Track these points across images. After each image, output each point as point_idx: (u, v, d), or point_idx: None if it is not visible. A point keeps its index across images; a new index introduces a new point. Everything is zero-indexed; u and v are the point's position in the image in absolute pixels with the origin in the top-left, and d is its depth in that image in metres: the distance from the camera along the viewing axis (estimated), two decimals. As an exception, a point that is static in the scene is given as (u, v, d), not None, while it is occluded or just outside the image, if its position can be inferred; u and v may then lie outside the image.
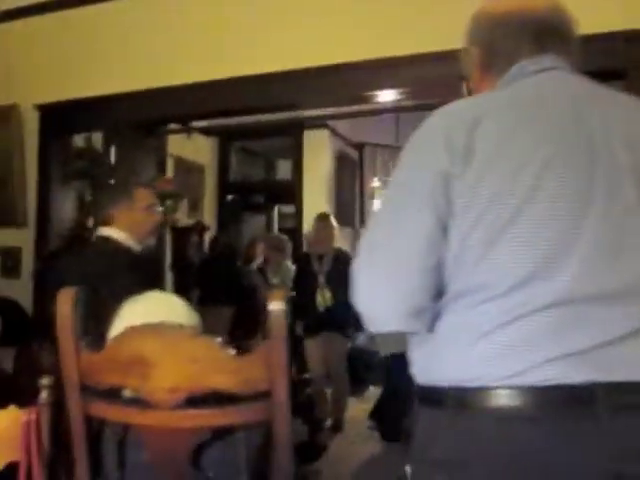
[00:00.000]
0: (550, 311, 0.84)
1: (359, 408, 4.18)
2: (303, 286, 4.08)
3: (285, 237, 5.11)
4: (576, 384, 0.82)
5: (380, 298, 0.90)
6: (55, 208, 3.25)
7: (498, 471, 0.83)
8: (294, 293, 4.15)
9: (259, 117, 4.95)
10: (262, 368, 1.11)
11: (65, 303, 1.15)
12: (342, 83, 2.85)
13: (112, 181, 2.85)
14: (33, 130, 3.27)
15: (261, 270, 4.85)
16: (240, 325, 3.46)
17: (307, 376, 3.91)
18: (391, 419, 3.69)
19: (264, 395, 1.13)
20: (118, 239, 2.04)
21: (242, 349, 1.22)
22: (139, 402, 1.20)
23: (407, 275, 0.89)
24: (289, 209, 7.20)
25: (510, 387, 0.83)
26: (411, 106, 5.08)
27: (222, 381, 1.10)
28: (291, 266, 4.81)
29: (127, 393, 1.26)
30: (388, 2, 2.70)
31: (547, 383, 0.82)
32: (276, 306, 1.10)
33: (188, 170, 5.70)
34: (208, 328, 1.32)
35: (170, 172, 5.24)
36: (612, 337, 0.84)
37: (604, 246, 0.86)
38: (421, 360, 0.96)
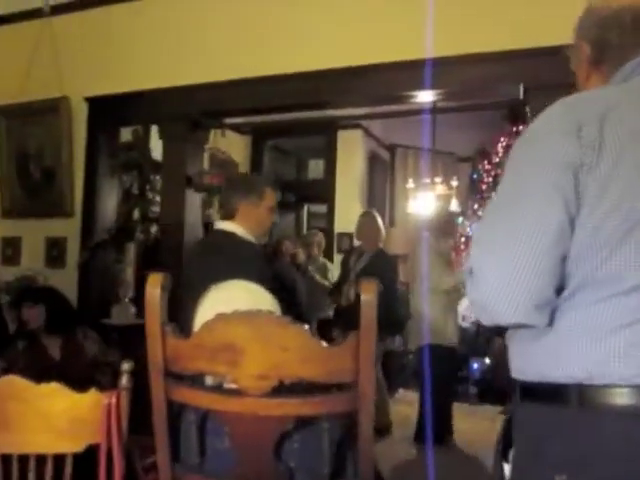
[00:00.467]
0: None
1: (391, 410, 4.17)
2: (339, 282, 4.10)
3: (319, 233, 5.12)
4: None
5: (507, 291, 0.88)
6: (101, 200, 3.30)
7: (622, 473, 0.81)
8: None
9: (293, 116, 4.97)
10: (350, 359, 1.10)
11: (154, 287, 1.15)
12: (377, 83, 2.86)
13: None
14: (82, 122, 3.32)
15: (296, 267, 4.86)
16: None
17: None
18: (437, 424, 3.64)
19: (347, 386, 1.13)
20: (238, 233, 2.09)
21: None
22: (222, 390, 1.21)
23: (536, 268, 0.87)
24: (318, 208, 7.21)
25: (637, 386, 0.82)
26: (446, 107, 5.08)
27: (311, 370, 1.10)
28: (326, 262, 4.82)
29: (209, 380, 1.26)
30: (426, 4, 2.70)
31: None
32: (367, 296, 1.10)
33: (222, 167, 5.73)
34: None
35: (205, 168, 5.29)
36: None
37: None
38: (536, 356, 0.93)
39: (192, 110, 3.18)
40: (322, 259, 4.93)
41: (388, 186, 6.94)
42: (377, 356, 3.86)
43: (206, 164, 5.33)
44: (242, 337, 1.11)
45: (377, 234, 4.09)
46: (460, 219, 6.19)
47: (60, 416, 1.24)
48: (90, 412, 1.24)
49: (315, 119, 5.37)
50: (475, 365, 5.09)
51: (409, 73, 2.74)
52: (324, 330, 3.92)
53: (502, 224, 0.92)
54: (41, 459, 1.26)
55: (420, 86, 2.76)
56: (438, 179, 5.48)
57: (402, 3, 2.78)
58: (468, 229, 6.02)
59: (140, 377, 1.31)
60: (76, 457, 1.28)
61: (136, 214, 3.21)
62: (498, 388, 4.64)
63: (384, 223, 6.69)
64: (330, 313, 4.48)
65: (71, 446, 1.25)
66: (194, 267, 2.07)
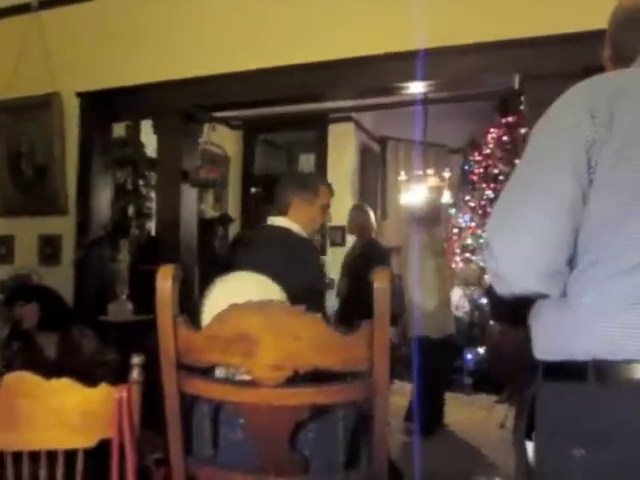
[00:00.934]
0: None
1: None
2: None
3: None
4: None
5: (520, 257, 0.92)
6: (95, 196, 3.27)
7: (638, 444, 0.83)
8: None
9: (284, 110, 4.95)
10: (364, 347, 1.11)
11: (165, 279, 1.14)
12: (368, 75, 2.86)
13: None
14: (74, 118, 3.28)
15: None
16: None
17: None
18: (426, 413, 3.69)
19: (362, 374, 1.13)
20: (293, 229, 2.10)
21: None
22: (236, 381, 1.20)
23: (547, 237, 0.91)
24: (310, 203, 7.20)
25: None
26: (438, 98, 5.09)
27: (325, 359, 1.10)
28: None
29: (219, 373, 1.26)
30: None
31: None
32: (380, 284, 1.10)
33: (213, 161, 5.70)
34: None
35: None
36: None
37: None
38: (556, 335, 0.95)
39: (186, 104, 3.15)
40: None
41: (380, 179, 6.95)
42: None
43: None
44: (256, 327, 1.10)
45: (368, 226, 4.10)
46: (452, 210, 6.23)
47: (71, 412, 1.23)
48: (101, 407, 1.23)
49: (306, 113, 5.36)
50: (469, 355, 5.12)
51: (403, 64, 2.74)
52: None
53: (518, 195, 0.96)
54: (52, 455, 1.25)
55: (412, 77, 2.76)
56: (430, 171, 5.50)
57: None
58: (460, 220, 6.06)
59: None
60: (87, 453, 1.27)
61: (130, 210, 3.18)
62: (493, 378, 4.67)
63: (376, 216, 6.74)
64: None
65: (83, 441, 1.24)
66: (243, 261, 2.02)
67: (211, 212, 5.56)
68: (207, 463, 1.22)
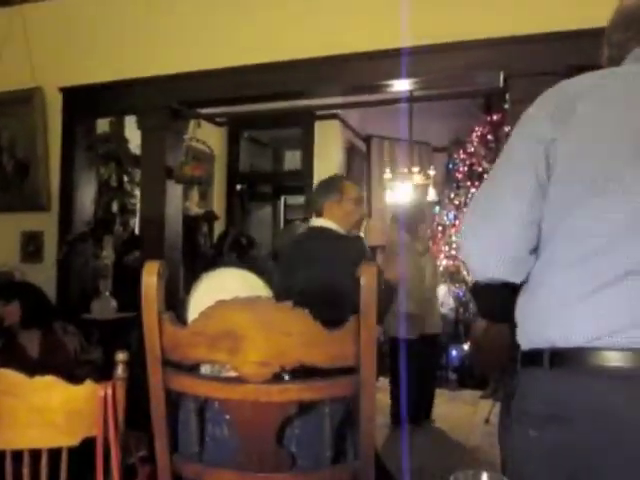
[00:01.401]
0: (628, 280, 0.90)
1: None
2: None
3: (304, 224, 5.11)
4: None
5: (481, 248, 1.02)
6: (79, 192, 3.24)
7: (589, 429, 0.89)
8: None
9: (269, 107, 4.94)
10: (351, 343, 1.11)
11: (150, 275, 1.13)
12: (354, 72, 2.87)
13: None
14: (57, 113, 3.25)
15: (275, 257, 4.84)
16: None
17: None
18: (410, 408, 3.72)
19: (348, 370, 1.14)
20: (333, 228, 2.33)
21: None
22: (223, 377, 1.20)
23: (506, 228, 0.99)
24: (296, 200, 7.20)
25: (597, 348, 0.90)
26: (423, 96, 5.11)
27: (313, 355, 1.10)
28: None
29: (205, 370, 1.25)
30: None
31: (633, 345, 0.88)
32: (367, 280, 1.10)
33: (198, 158, 5.66)
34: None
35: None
36: None
37: None
38: (525, 324, 1.02)
39: (170, 100, 3.13)
40: None
41: (365, 177, 6.96)
42: None
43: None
44: (243, 323, 1.10)
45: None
46: (437, 208, 6.27)
47: (55, 410, 1.21)
48: (86, 404, 1.22)
49: (292, 110, 5.35)
50: (454, 352, 5.16)
51: (388, 62, 2.75)
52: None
53: (485, 191, 1.06)
54: (36, 454, 1.24)
55: (398, 75, 2.77)
56: (415, 169, 5.52)
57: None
58: (445, 217, 6.10)
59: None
60: (71, 451, 1.26)
61: (114, 206, 3.16)
62: (477, 374, 4.72)
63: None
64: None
65: (67, 440, 1.23)
66: (292, 259, 2.29)
67: (196, 209, 5.52)
68: (193, 460, 1.21)
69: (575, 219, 0.94)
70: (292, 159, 6.86)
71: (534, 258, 1.01)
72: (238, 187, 6.57)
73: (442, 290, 5.21)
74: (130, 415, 1.32)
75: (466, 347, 5.12)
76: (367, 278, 1.10)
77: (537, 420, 0.95)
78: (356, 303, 1.07)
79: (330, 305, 1.95)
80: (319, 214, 2.39)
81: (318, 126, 6.02)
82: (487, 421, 3.99)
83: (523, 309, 1.03)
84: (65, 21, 3.28)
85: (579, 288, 0.93)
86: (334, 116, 6.00)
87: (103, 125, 3.44)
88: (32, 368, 1.27)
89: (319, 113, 5.89)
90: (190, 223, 5.28)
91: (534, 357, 0.98)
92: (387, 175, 5.62)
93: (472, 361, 4.99)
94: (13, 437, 1.24)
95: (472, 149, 5.85)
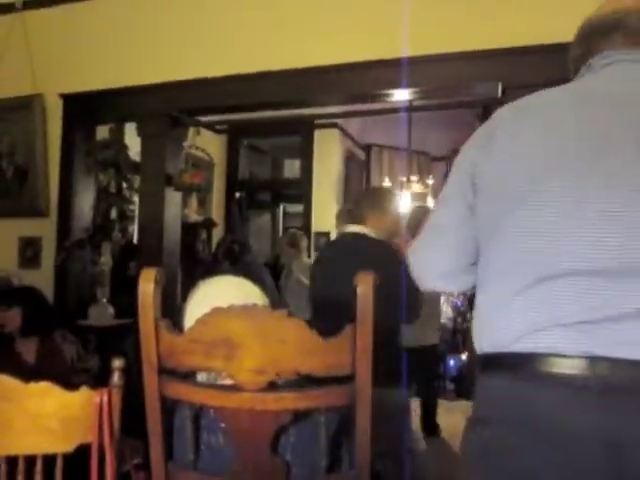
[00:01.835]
0: (539, 286, 0.95)
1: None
2: None
3: (299, 232, 5.11)
4: (572, 354, 0.89)
5: (420, 263, 1.18)
6: (78, 199, 3.23)
7: (506, 432, 0.93)
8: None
9: (269, 115, 4.95)
10: (347, 351, 1.11)
11: (147, 282, 1.14)
12: (354, 81, 2.87)
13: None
14: (57, 120, 3.25)
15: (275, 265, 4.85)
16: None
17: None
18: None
19: (344, 379, 1.14)
20: (368, 234, 2.46)
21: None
22: (218, 385, 1.20)
23: (437, 247, 1.14)
24: (295, 208, 7.21)
25: (513, 353, 0.95)
26: (422, 106, 5.13)
27: (309, 364, 1.10)
28: (308, 260, 4.81)
29: (201, 377, 1.25)
30: (404, 2, 2.73)
31: (540, 350, 0.92)
32: (363, 288, 1.10)
33: (198, 166, 5.68)
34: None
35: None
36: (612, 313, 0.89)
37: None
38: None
39: (170, 107, 3.14)
40: (305, 260, 4.92)
41: (364, 185, 6.97)
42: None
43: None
44: (239, 331, 1.10)
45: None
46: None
47: (50, 416, 1.21)
48: (81, 411, 1.22)
49: (291, 118, 5.37)
50: (452, 362, 5.15)
51: (388, 71, 2.76)
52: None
53: (429, 219, 1.20)
54: (30, 460, 1.24)
55: (397, 84, 2.78)
56: (414, 178, 5.54)
57: (379, 2, 2.80)
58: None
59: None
60: (66, 457, 1.25)
61: (113, 213, 3.16)
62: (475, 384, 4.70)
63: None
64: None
65: (62, 446, 1.22)
66: (331, 268, 2.38)
67: (195, 216, 5.53)
68: (188, 468, 1.21)
69: (494, 237, 1.02)
70: (291, 167, 6.88)
71: (475, 269, 1.10)
72: (237, 195, 6.58)
73: (440, 300, 5.20)
74: (125, 422, 1.32)
75: (464, 357, 5.10)
76: (363, 287, 1.10)
77: (473, 423, 1.03)
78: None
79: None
80: (361, 221, 2.48)
81: (318, 135, 6.05)
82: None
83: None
84: (66, 28, 3.29)
85: (500, 297, 1.00)
86: (334, 125, 6.02)
87: (103, 132, 3.46)
88: (28, 375, 1.27)
89: (319, 122, 5.91)
90: (189, 230, 5.29)
91: (477, 363, 1.06)
92: (386, 184, 5.63)
93: (470, 371, 4.98)
94: (8, 443, 1.23)
95: (471, 159, 5.86)
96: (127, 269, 3.45)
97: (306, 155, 6.11)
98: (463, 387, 5.06)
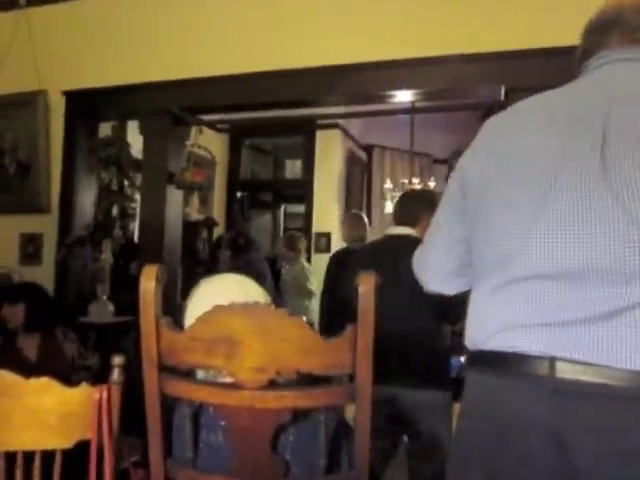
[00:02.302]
0: (507, 288, 0.99)
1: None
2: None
3: (298, 234, 5.12)
4: (531, 354, 0.93)
5: (418, 269, 1.25)
6: (79, 196, 3.24)
7: (480, 424, 1.00)
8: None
9: (271, 115, 4.95)
10: (347, 351, 1.11)
11: (149, 279, 1.14)
12: (357, 82, 2.88)
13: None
14: (59, 117, 3.26)
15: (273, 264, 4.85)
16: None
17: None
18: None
19: (344, 378, 1.14)
20: (417, 236, 2.42)
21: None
22: (218, 383, 1.20)
23: (433, 254, 1.20)
24: (296, 208, 7.20)
25: (485, 350, 1.01)
26: (424, 108, 5.13)
27: (309, 362, 1.10)
28: (306, 264, 4.81)
29: (200, 375, 1.25)
30: (407, 4, 2.73)
31: (505, 349, 0.96)
32: (365, 288, 1.10)
33: (199, 164, 5.67)
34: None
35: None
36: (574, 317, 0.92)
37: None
38: None
39: (173, 106, 3.14)
40: (304, 262, 4.92)
41: (365, 187, 6.97)
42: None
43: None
44: (240, 329, 1.10)
45: (365, 235, 4.11)
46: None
47: (50, 412, 1.21)
48: (81, 407, 1.22)
49: (293, 118, 5.37)
50: (453, 363, 5.14)
51: (391, 72, 2.77)
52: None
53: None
54: (29, 456, 1.24)
55: (400, 85, 2.79)
56: (415, 179, 5.53)
57: (383, 2, 2.80)
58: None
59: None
60: (65, 454, 1.25)
61: (115, 210, 3.16)
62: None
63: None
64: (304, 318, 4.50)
65: (61, 442, 1.22)
66: (379, 270, 2.33)
67: (196, 215, 5.52)
68: (187, 466, 1.21)
69: (484, 233, 1.05)
70: (293, 167, 6.88)
71: (469, 272, 1.13)
72: (238, 194, 6.58)
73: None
74: (125, 419, 1.32)
75: (462, 359, 5.10)
76: (365, 286, 1.10)
77: (460, 413, 1.09)
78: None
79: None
80: (413, 224, 2.46)
81: (319, 135, 6.04)
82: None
83: None
84: (70, 25, 3.30)
85: (478, 297, 1.06)
86: (335, 125, 6.02)
87: (106, 129, 3.46)
88: (28, 371, 1.27)
89: (320, 122, 5.90)
90: (189, 229, 5.30)
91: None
92: (387, 185, 5.63)
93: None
94: (7, 438, 1.23)
95: (472, 161, 5.86)
96: (128, 267, 3.45)
97: (308, 155, 6.11)
98: (462, 389, 5.04)
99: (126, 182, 3.23)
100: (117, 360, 1.27)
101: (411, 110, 5.03)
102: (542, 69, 2.45)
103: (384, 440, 2.39)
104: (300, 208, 6.52)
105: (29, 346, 2.60)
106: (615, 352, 0.85)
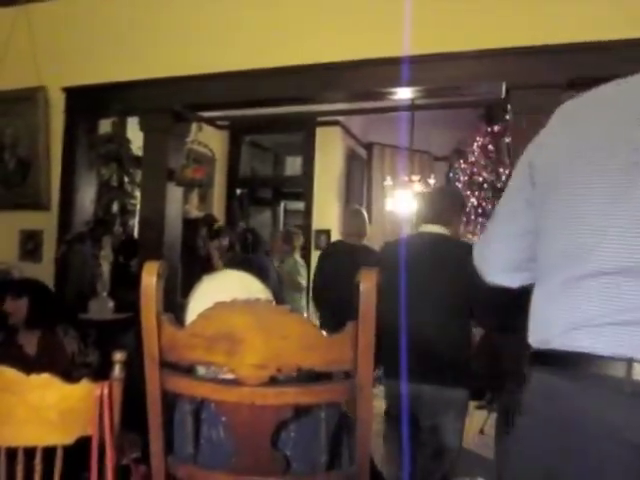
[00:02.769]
0: (577, 285, 0.94)
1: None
2: None
3: (295, 230, 5.13)
4: (605, 355, 0.88)
5: (480, 260, 1.21)
6: (79, 192, 3.24)
7: (540, 422, 0.96)
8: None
9: (271, 112, 4.95)
10: (349, 347, 1.11)
11: (150, 275, 1.13)
12: (357, 79, 2.88)
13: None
14: (59, 113, 3.25)
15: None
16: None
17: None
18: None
19: (346, 375, 1.14)
20: (448, 235, 2.53)
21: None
22: (220, 379, 1.20)
23: (495, 247, 1.17)
24: (296, 205, 7.21)
25: (554, 349, 0.96)
26: (424, 105, 5.12)
27: (310, 359, 1.10)
28: (300, 259, 4.83)
29: (201, 371, 1.25)
30: (406, 1, 2.72)
31: (574, 349, 0.92)
32: (366, 285, 1.10)
33: (199, 161, 5.67)
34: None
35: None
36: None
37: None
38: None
39: (173, 102, 3.14)
40: (297, 258, 4.93)
41: (365, 184, 6.97)
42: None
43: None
44: (241, 326, 1.10)
45: (364, 231, 4.10)
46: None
47: (51, 408, 1.21)
48: (82, 403, 1.22)
49: (294, 115, 5.37)
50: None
51: (391, 70, 2.76)
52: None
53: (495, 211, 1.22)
54: (30, 452, 1.24)
55: (400, 83, 2.78)
56: (415, 177, 5.53)
57: (381, 1, 2.79)
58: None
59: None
60: (66, 450, 1.26)
61: (115, 207, 3.16)
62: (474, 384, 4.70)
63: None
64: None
65: (62, 438, 1.23)
66: (412, 267, 2.37)
67: (195, 212, 5.53)
68: (188, 462, 1.21)
69: (553, 226, 1.00)
70: (293, 164, 6.88)
71: (532, 265, 1.08)
72: (238, 191, 6.58)
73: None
74: (125, 415, 1.32)
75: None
76: (366, 283, 1.10)
77: (521, 410, 1.05)
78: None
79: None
80: (444, 222, 2.49)
81: (319, 132, 6.05)
82: (482, 432, 3.98)
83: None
84: (70, 21, 3.29)
85: (545, 294, 1.01)
86: (336, 122, 6.02)
87: (106, 126, 3.45)
88: (29, 367, 1.27)
89: (321, 119, 5.91)
90: (189, 226, 5.29)
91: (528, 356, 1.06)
92: (388, 182, 5.63)
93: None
94: (8, 434, 1.24)
95: (473, 159, 5.86)
96: (129, 264, 3.45)
97: (308, 152, 6.11)
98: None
99: (126, 179, 3.23)
100: (118, 356, 1.28)
101: (411, 107, 5.03)
102: (542, 67, 2.45)
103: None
104: (300, 205, 6.53)
105: (29, 342, 2.60)
106: None
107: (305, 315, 4.24)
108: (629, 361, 0.85)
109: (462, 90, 3.08)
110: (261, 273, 4.25)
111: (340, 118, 6.01)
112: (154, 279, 1.14)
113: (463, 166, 6.02)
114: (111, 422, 1.24)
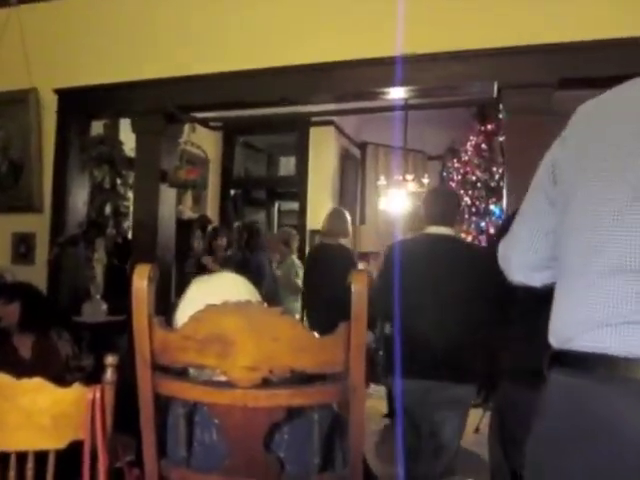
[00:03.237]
0: (603, 282, 0.92)
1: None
2: None
3: (293, 231, 5.12)
4: (630, 356, 0.86)
5: (503, 260, 1.21)
6: (72, 194, 3.23)
7: (558, 424, 0.95)
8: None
9: (264, 112, 4.94)
10: (341, 349, 1.11)
11: (141, 278, 1.13)
12: (350, 79, 2.89)
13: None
14: (51, 115, 3.24)
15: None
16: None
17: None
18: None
19: (338, 376, 1.14)
20: (455, 236, 2.61)
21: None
22: (212, 382, 1.20)
23: (520, 240, 1.16)
24: (290, 206, 7.20)
25: (575, 350, 0.95)
26: (418, 105, 5.13)
27: (302, 361, 1.10)
28: (296, 260, 4.82)
29: (193, 373, 1.25)
30: (399, 1, 2.73)
31: (597, 350, 0.90)
32: (357, 286, 1.10)
33: (193, 162, 5.66)
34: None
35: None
36: None
37: None
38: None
39: (165, 104, 3.13)
40: (295, 259, 4.93)
41: (359, 183, 6.98)
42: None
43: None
44: (233, 328, 1.10)
45: (346, 231, 4.10)
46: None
47: (43, 412, 1.21)
48: (74, 407, 1.21)
49: (287, 116, 5.36)
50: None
51: (384, 70, 2.77)
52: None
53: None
54: (22, 457, 1.23)
55: (393, 83, 2.79)
56: (409, 176, 5.54)
57: (375, 0, 2.79)
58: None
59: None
60: (58, 454, 1.25)
61: (107, 209, 3.15)
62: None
63: (355, 220, 6.77)
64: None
65: (54, 443, 1.22)
66: (421, 269, 2.44)
67: (189, 213, 5.51)
68: (180, 465, 1.21)
69: (576, 224, 1.00)
70: (287, 165, 6.88)
71: (554, 264, 1.08)
72: (232, 192, 6.57)
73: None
74: (119, 419, 1.32)
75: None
76: (358, 285, 1.10)
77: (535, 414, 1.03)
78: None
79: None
80: (449, 223, 2.53)
81: (313, 132, 6.04)
82: (477, 430, 3.99)
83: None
84: (61, 23, 3.28)
85: (566, 292, 1.01)
86: (329, 122, 6.02)
87: (98, 128, 3.44)
88: (23, 370, 1.27)
89: (314, 119, 5.91)
90: (183, 227, 5.28)
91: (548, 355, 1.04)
92: (381, 182, 5.64)
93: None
94: (0, 439, 1.23)
95: (466, 158, 5.88)
96: (124, 267, 3.44)
97: (301, 153, 6.11)
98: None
99: (119, 180, 3.22)
100: (110, 360, 1.27)
101: (404, 107, 5.03)
102: (534, 66, 2.45)
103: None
104: (294, 205, 6.53)
105: (24, 346, 2.59)
106: None
107: (298, 317, 4.23)
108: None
109: (455, 90, 3.09)
110: (258, 273, 4.26)
111: (334, 118, 6.01)
112: (145, 282, 1.14)
113: (456, 165, 6.04)
114: (103, 426, 1.23)
